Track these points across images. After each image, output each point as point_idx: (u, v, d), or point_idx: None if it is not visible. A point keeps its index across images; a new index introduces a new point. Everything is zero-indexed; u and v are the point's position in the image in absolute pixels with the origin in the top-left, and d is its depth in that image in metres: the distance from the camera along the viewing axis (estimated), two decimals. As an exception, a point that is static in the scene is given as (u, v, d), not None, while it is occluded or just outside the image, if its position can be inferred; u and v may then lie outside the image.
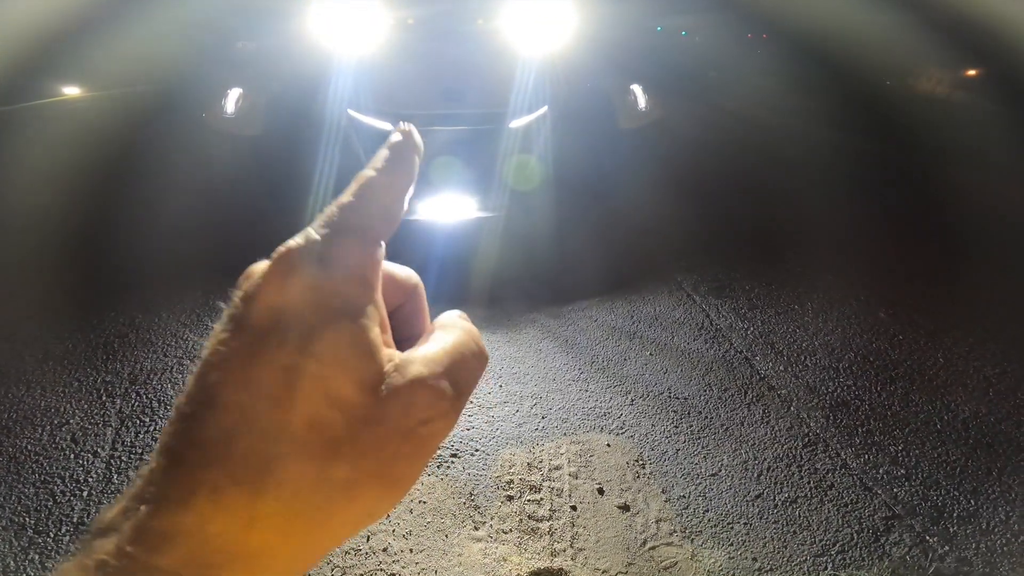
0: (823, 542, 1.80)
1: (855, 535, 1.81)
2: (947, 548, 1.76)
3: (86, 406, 2.23)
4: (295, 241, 0.25)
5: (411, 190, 0.30)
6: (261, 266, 0.25)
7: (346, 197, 0.27)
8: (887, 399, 2.39)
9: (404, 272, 0.31)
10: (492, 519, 1.85)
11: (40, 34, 4.96)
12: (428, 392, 0.25)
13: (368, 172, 0.28)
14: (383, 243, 0.28)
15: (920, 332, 2.80)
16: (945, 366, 2.57)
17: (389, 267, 0.30)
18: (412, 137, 0.30)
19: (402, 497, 0.25)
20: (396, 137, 0.30)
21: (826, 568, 1.72)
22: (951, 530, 1.82)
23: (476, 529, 1.82)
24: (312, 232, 0.25)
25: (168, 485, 0.22)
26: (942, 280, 3.29)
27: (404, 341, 0.28)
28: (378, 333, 0.25)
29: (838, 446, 2.15)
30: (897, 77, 7.64)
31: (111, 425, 2.15)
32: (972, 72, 7.71)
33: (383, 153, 0.29)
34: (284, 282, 0.24)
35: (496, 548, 1.76)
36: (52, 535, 1.74)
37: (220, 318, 0.24)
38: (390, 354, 0.25)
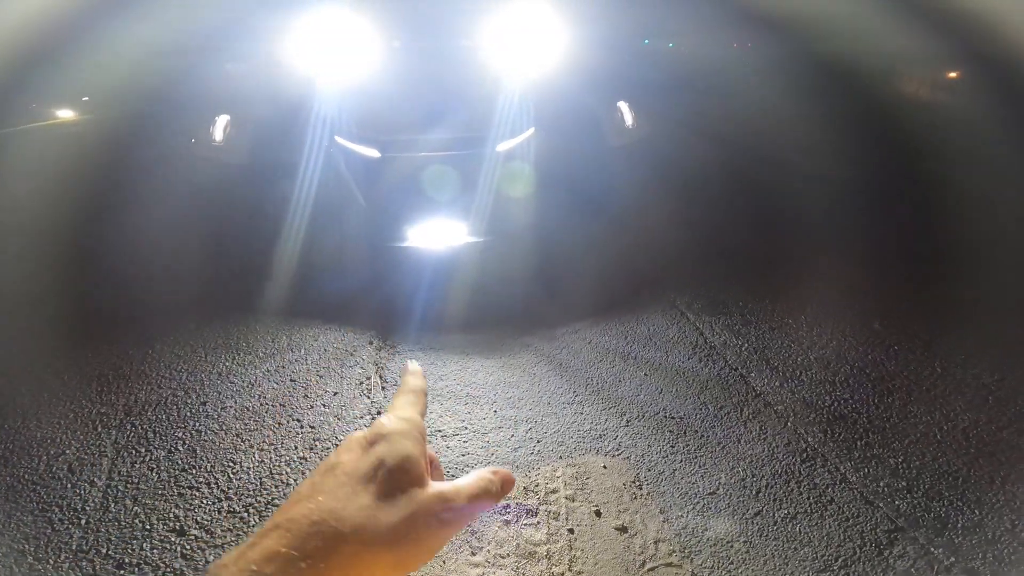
0: (825, 557, 1.76)
1: (858, 549, 1.77)
2: (952, 559, 1.72)
3: (82, 437, 2.22)
4: (385, 421, 0.43)
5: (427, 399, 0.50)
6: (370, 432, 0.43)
7: (405, 398, 0.47)
8: (885, 411, 2.36)
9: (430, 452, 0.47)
10: (489, 544, 1.82)
11: (31, 57, 5.03)
12: (442, 502, 0.40)
13: (408, 394, 0.48)
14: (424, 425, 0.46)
15: (916, 342, 2.79)
16: (943, 375, 2.56)
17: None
18: (420, 373, 0.51)
19: (427, 558, 0.39)
20: (413, 367, 0.52)
21: (828, 584, 1.68)
22: (956, 541, 1.78)
23: (473, 554, 1.79)
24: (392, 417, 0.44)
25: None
26: (935, 288, 3.29)
27: None
28: (425, 464, 0.42)
29: (837, 460, 2.12)
30: (881, 81, 7.77)
31: (107, 455, 2.14)
32: (953, 74, 7.88)
33: (409, 379, 0.50)
34: (376, 438, 0.42)
35: (494, 573, 1.73)
36: (52, 562, 1.73)
37: (345, 443, 0.42)
38: (428, 480, 0.41)
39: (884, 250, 3.74)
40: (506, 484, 0.45)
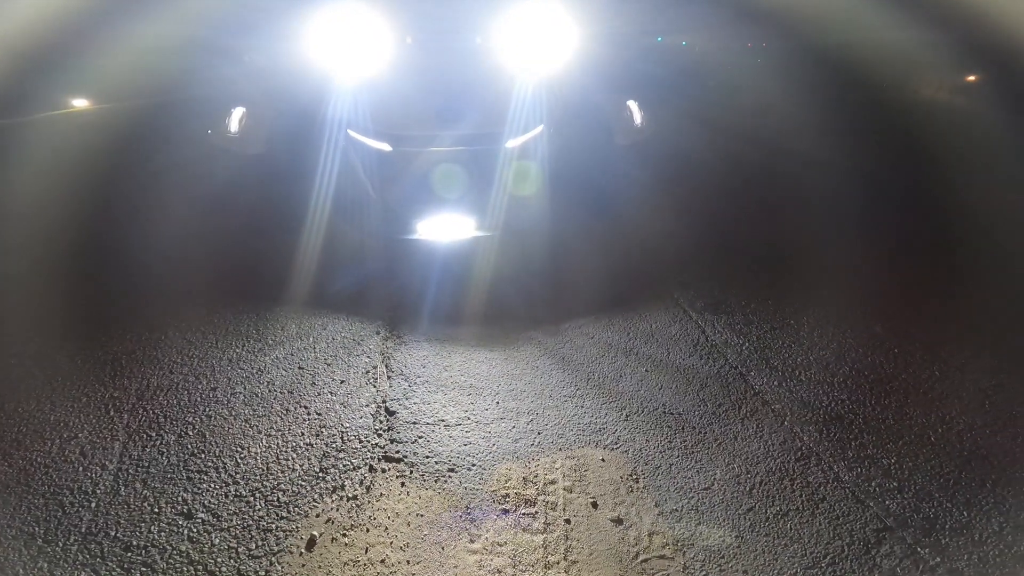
0: (814, 554, 1.80)
1: (846, 547, 1.82)
2: (938, 559, 1.76)
3: (94, 420, 2.29)
4: None
5: None
6: None
7: None
8: (881, 412, 2.39)
9: None
10: (488, 532, 1.88)
11: (49, 45, 5.04)
12: None
13: None
14: None
15: (916, 345, 2.81)
16: (940, 379, 2.58)
17: None
18: None
19: None
20: None
21: (816, 580, 1.73)
22: (943, 541, 1.82)
23: (472, 542, 1.85)
24: None
25: None
26: (938, 293, 3.31)
27: None
28: None
29: (831, 459, 2.16)
30: (897, 84, 7.64)
31: (119, 439, 2.21)
32: (971, 78, 7.73)
33: None
34: None
35: (491, 560, 1.78)
36: (61, 544, 1.78)
37: None
38: None
39: (890, 253, 3.74)
40: None
